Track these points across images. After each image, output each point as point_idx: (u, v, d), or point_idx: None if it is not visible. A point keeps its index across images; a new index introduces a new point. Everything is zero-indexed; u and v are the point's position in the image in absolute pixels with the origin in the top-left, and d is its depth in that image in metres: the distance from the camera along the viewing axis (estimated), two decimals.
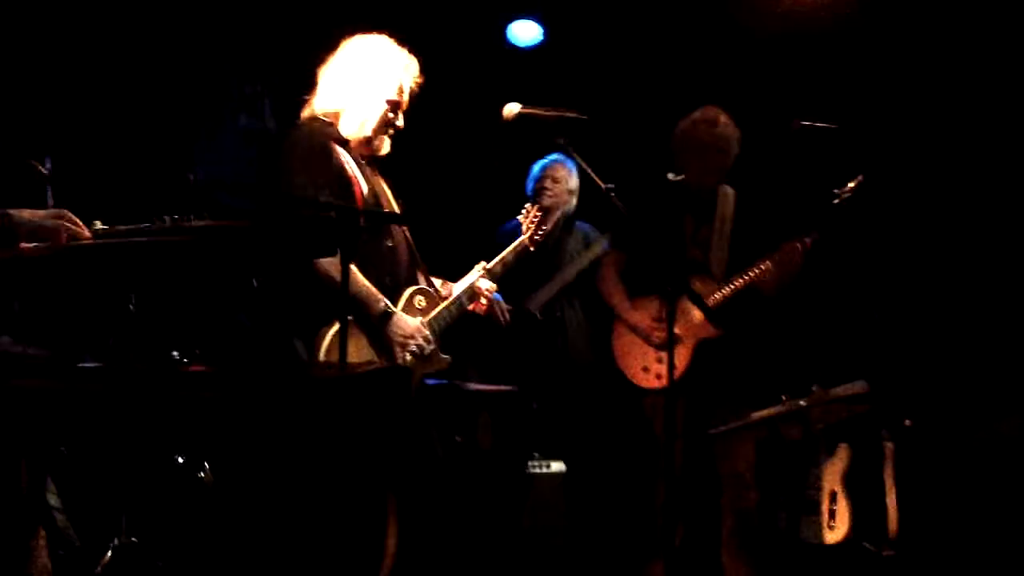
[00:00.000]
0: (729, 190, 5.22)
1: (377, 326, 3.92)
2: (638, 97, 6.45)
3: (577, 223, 5.98)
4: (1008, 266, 5.56)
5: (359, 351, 3.84)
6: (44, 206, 3.40)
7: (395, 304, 4.03)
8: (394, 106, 4.14)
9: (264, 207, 3.07)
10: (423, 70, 4.27)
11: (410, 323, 3.97)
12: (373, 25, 6.11)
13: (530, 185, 5.95)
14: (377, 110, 4.11)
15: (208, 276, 3.05)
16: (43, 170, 3.24)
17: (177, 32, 5.68)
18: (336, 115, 4.11)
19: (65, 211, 2.98)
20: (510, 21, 6.70)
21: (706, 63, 6.33)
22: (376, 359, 3.91)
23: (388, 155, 4.26)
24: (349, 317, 3.59)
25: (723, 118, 5.13)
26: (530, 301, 5.77)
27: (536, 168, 5.94)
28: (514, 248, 4.41)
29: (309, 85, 5.77)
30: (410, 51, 4.26)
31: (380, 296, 3.93)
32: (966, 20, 5.72)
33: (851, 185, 4.83)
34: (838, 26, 5.96)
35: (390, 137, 4.20)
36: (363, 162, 4.15)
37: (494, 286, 4.35)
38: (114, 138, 5.34)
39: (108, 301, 3.16)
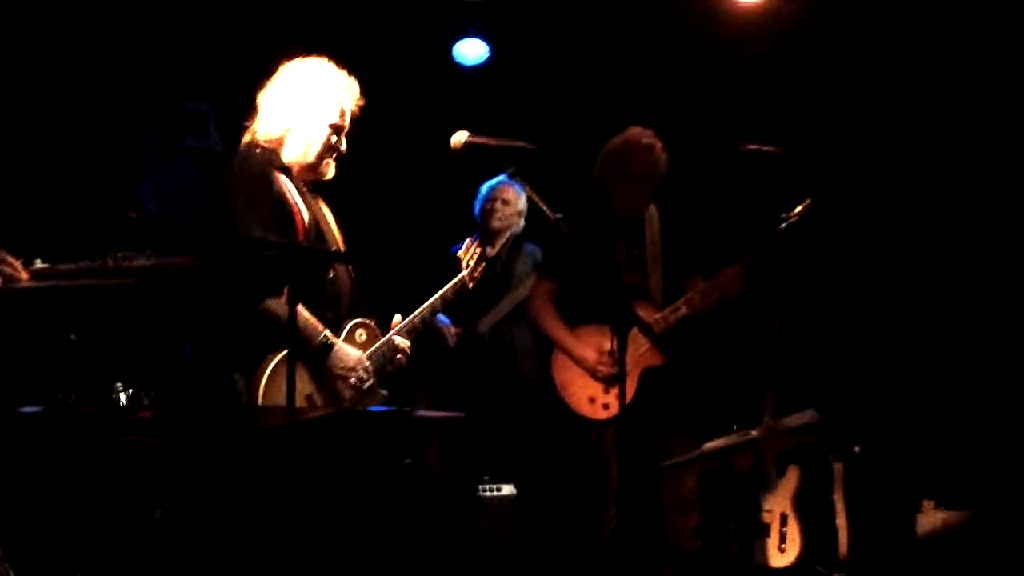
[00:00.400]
0: (653, 208, 5.20)
1: (318, 358, 3.86)
2: (585, 117, 6.44)
3: (525, 244, 5.96)
4: (957, 288, 5.60)
5: (300, 384, 3.73)
6: None
7: (337, 336, 3.96)
8: (337, 129, 4.09)
9: (208, 246, 3.00)
10: (369, 90, 4.22)
11: (351, 355, 3.92)
12: (318, 43, 6.13)
13: (478, 207, 5.93)
14: (320, 134, 4.05)
15: (150, 318, 2.98)
16: None
17: (119, 49, 5.59)
18: (279, 141, 4.03)
19: (2, 253, 2.90)
20: (456, 40, 6.68)
21: (656, 82, 6.34)
22: (316, 392, 3.85)
23: (332, 178, 4.20)
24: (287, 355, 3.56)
25: (658, 144, 5.08)
26: (479, 323, 5.75)
27: (484, 190, 5.92)
28: (453, 285, 4.30)
29: (252, 106, 5.74)
30: (352, 72, 4.19)
31: (321, 328, 3.88)
32: (914, 40, 5.75)
33: (798, 209, 4.84)
34: (786, 48, 5.98)
35: (334, 161, 4.14)
36: (305, 189, 4.08)
37: (405, 343, 4.19)
38: (55, 159, 5.25)
39: (48, 343, 3.08)
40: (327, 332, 3.89)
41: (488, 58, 6.67)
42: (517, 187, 5.80)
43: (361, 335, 4.06)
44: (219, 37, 6.03)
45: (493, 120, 5.60)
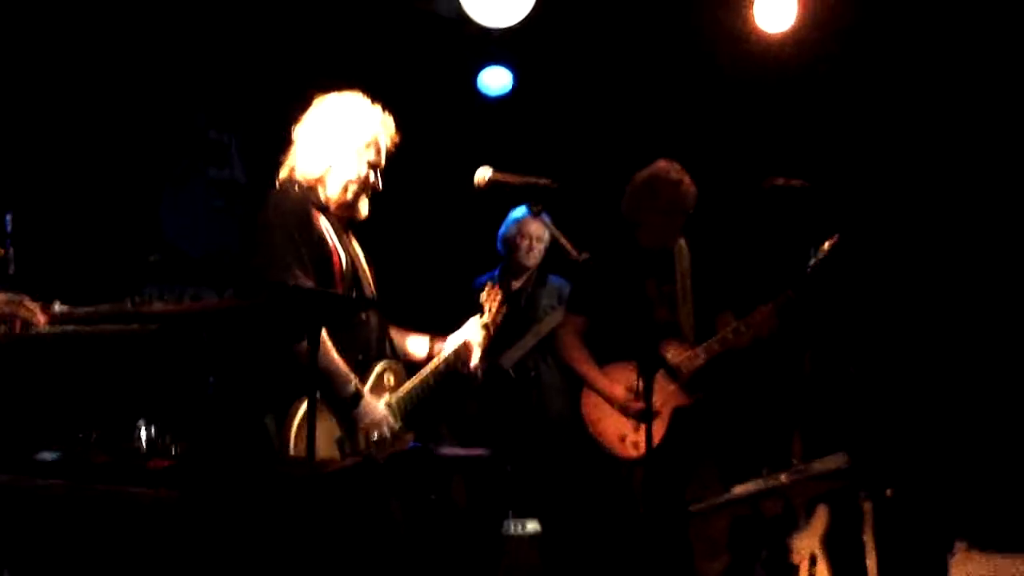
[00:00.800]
0: (682, 242, 5.15)
1: (345, 408, 3.80)
2: (609, 149, 6.41)
3: (550, 276, 5.92)
4: (992, 326, 5.51)
5: (327, 431, 3.74)
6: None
7: (365, 380, 3.91)
8: (375, 167, 4.05)
9: (239, 287, 2.96)
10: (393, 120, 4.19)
11: (377, 411, 3.86)
12: (341, 74, 6.13)
13: (505, 241, 5.88)
14: (360, 173, 4.00)
15: (171, 363, 2.94)
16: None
17: (142, 79, 5.59)
18: (319, 179, 3.98)
19: (21, 297, 2.88)
20: (480, 69, 6.66)
21: (680, 115, 6.30)
22: (345, 436, 3.79)
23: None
24: (318, 398, 3.51)
25: (686, 178, 5.04)
26: (503, 358, 5.70)
27: (509, 227, 5.86)
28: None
29: (279, 138, 5.73)
30: (375, 102, 4.13)
31: (351, 377, 3.82)
32: (943, 72, 5.69)
33: (827, 245, 4.77)
34: (812, 81, 5.93)
35: (368, 197, 4.09)
36: (340, 227, 4.03)
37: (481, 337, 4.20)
38: (78, 189, 5.24)
39: (67, 387, 3.05)
40: (357, 382, 3.83)
41: (512, 88, 6.65)
42: (543, 218, 5.75)
43: (389, 378, 4.02)
44: (243, 68, 6.03)
45: (516, 150, 5.60)
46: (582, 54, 6.53)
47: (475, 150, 4.32)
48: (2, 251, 3.19)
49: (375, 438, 3.83)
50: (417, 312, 4.91)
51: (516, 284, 5.89)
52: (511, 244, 5.85)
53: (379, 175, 4.07)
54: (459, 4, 5.65)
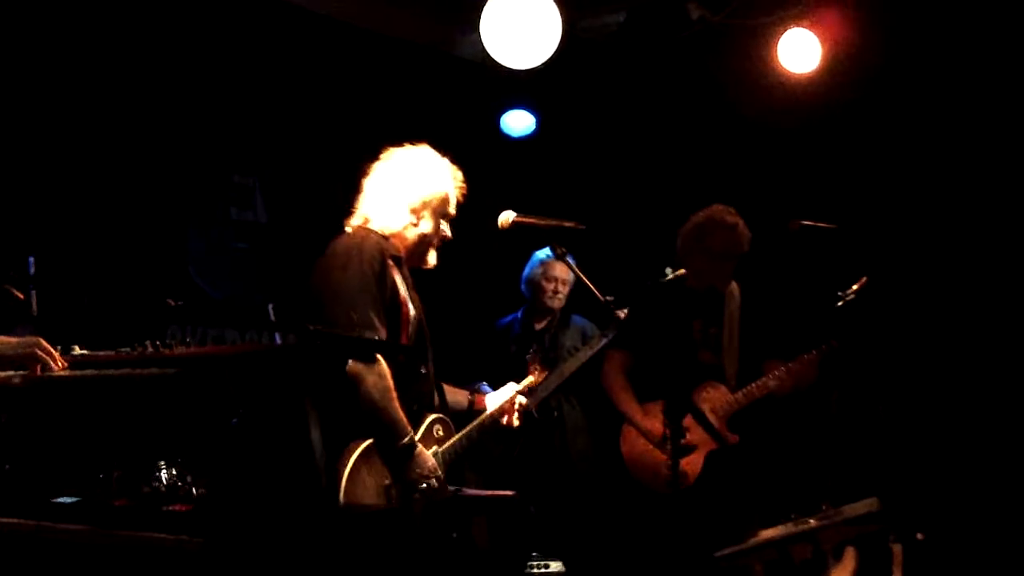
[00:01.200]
0: (734, 286, 5.13)
1: (399, 456, 3.80)
2: (632, 192, 6.40)
3: (573, 317, 5.89)
4: (1018, 367, 5.45)
5: (377, 477, 3.76)
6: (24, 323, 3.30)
7: (416, 430, 3.93)
8: (447, 219, 4.12)
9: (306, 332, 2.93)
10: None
11: (429, 462, 3.87)
12: (362, 116, 6.17)
13: (528, 285, 5.88)
14: (437, 228, 4.08)
15: (192, 406, 2.93)
16: (18, 294, 3.13)
17: (166, 122, 5.62)
18: (397, 234, 4.03)
19: (38, 339, 2.88)
20: (504, 111, 6.68)
21: (702, 158, 6.29)
22: (392, 484, 3.78)
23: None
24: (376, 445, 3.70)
25: (741, 223, 5.07)
26: (527, 398, 5.65)
27: (533, 268, 5.85)
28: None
29: (301, 180, 5.74)
30: (399, 142, 4.17)
31: (408, 427, 3.82)
32: (964, 111, 5.66)
33: (855, 287, 4.73)
34: (836, 121, 5.90)
35: (437, 250, 4.15)
36: (411, 278, 4.10)
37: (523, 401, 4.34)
38: (101, 232, 5.26)
39: (87, 430, 3.04)
40: (411, 433, 3.84)
41: (535, 130, 6.66)
42: (568, 260, 5.74)
43: (439, 431, 4.04)
44: (267, 111, 6.06)
45: (539, 191, 5.59)
46: (605, 96, 6.54)
47: (499, 191, 4.32)
48: (22, 295, 3.19)
49: (424, 487, 3.83)
50: (441, 353, 4.91)
51: (539, 325, 5.88)
52: (535, 286, 5.84)
53: (449, 228, 4.13)
54: (482, 46, 5.66)
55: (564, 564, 5.47)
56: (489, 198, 4.29)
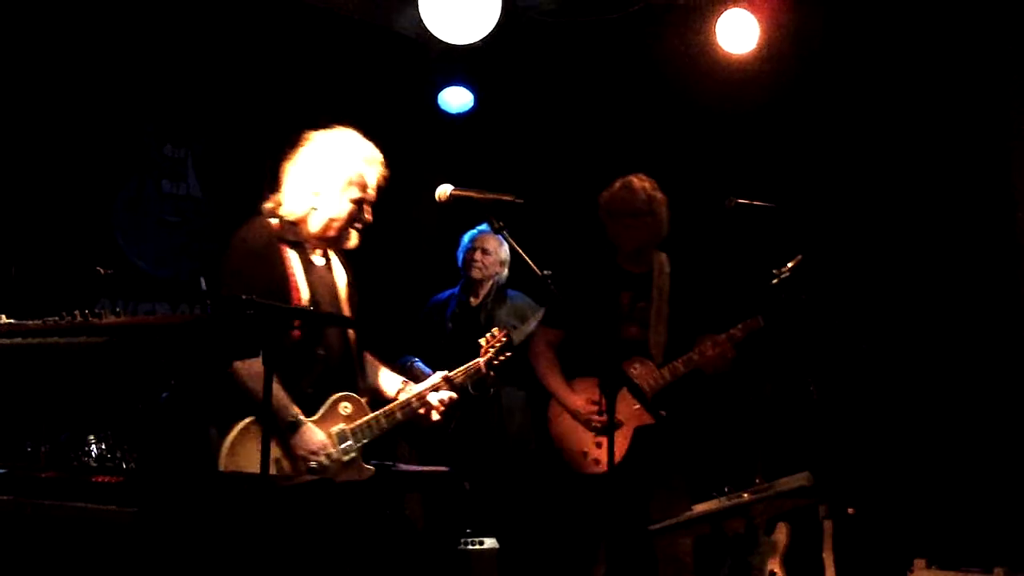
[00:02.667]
0: (663, 257, 5.12)
1: (284, 434, 3.85)
2: (570, 167, 6.39)
3: (510, 292, 5.88)
4: (951, 345, 5.52)
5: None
6: None
7: (317, 409, 3.96)
8: (360, 203, 4.10)
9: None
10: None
11: (315, 439, 3.89)
12: (301, 91, 6.11)
13: (460, 256, 5.86)
14: (343, 212, 4.07)
15: (119, 375, 2.88)
16: None
17: (94, 92, 5.52)
18: (302, 219, 4.06)
19: None
20: (441, 88, 6.64)
21: (639, 136, 6.29)
22: (283, 457, 3.84)
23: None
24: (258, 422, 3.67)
25: (647, 183, 5.05)
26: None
27: (466, 239, 5.86)
28: (467, 368, 4.31)
29: (235, 154, 5.67)
30: (335, 120, 4.18)
31: (291, 406, 3.87)
32: (902, 92, 5.71)
33: (790, 265, 4.76)
34: (776, 101, 5.93)
35: (358, 231, 4.14)
36: (318, 264, 4.11)
37: (451, 396, 4.22)
38: (28, 202, 5.16)
39: (14, 400, 2.97)
40: (297, 411, 3.88)
41: (473, 106, 6.63)
42: (499, 236, 5.71)
43: (346, 408, 4.04)
44: (200, 83, 5.98)
45: (478, 168, 5.57)
46: (544, 73, 6.53)
47: (436, 168, 4.30)
48: None
49: (312, 465, 3.87)
50: (378, 327, 4.88)
51: (475, 301, 5.86)
52: (467, 260, 5.82)
53: (368, 209, 4.12)
54: (421, 21, 5.61)
55: (498, 541, 5.49)
56: (427, 174, 4.27)
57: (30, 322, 2.94)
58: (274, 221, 4.04)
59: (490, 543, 5.47)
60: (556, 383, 5.10)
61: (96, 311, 2.90)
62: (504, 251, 5.80)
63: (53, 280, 3.83)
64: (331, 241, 4.13)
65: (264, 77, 6.15)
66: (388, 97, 6.50)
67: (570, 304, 4.79)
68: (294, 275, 3.98)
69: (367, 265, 6.13)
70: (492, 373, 4.36)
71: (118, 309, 2.84)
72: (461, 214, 4.11)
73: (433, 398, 4.18)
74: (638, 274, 5.09)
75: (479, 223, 5.79)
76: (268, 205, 4.09)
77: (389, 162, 4.29)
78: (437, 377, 4.24)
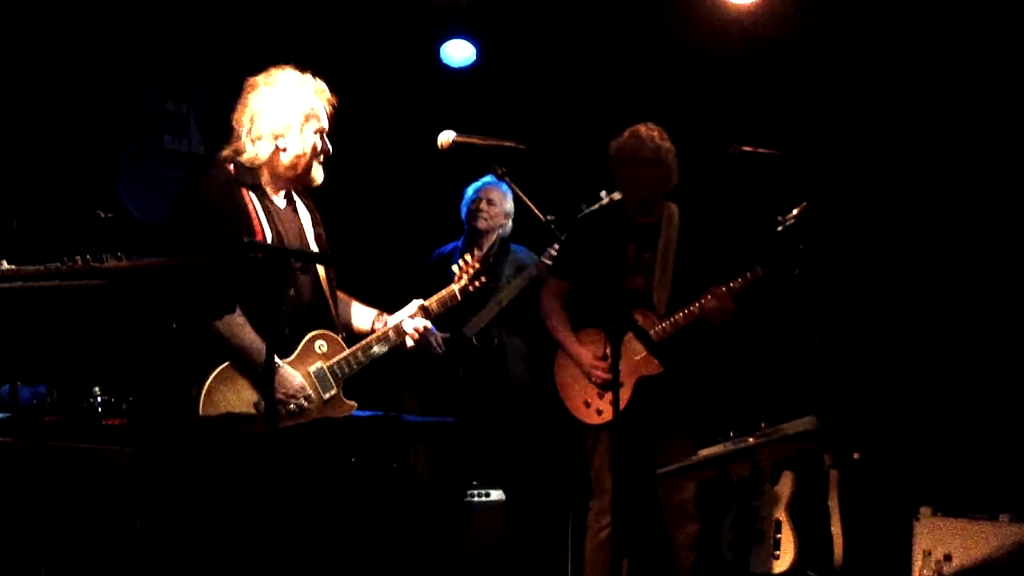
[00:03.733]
0: (673, 208, 5.09)
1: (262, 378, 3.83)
2: (574, 121, 6.35)
3: (512, 246, 5.86)
4: (956, 292, 5.51)
5: (246, 392, 3.83)
6: None
7: (293, 349, 3.95)
8: (320, 133, 4.07)
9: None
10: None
11: (293, 382, 3.90)
12: (304, 44, 6.06)
13: (464, 208, 5.84)
14: (307, 147, 4.04)
15: (121, 319, 2.88)
16: None
17: (98, 48, 5.50)
18: (268, 162, 4.01)
19: None
20: (443, 41, 6.60)
21: (643, 87, 6.25)
22: (261, 400, 3.82)
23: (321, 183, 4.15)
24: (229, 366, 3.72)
25: (656, 132, 5.01)
26: (467, 327, 5.65)
27: (470, 191, 5.82)
28: (441, 296, 4.30)
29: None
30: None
31: (263, 352, 3.74)
32: (907, 39, 5.67)
33: (794, 212, 4.74)
34: (778, 49, 5.89)
35: (320, 164, 4.10)
36: (281, 207, 4.07)
37: (425, 324, 4.21)
38: (30, 153, 5.16)
39: (17, 346, 2.97)
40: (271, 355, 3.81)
41: (475, 60, 6.59)
42: (504, 187, 5.70)
43: (322, 346, 4.04)
44: (202, 38, 5.95)
45: (480, 122, 5.54)
46: (544, 23, 6.48)
47: (439, 121, 4.28)
48: None
49: (291, 407, 3.87)
50: (382, 280, 4.89)
51: (479, 253, 5.83)
52: (472, 211, 5.80)
53: (325, 139, 4.09)
54: None
55: (505, 493, 5.51)
56: (428, 130, 4.25)
57: (31, 267, 2.93)
58: (231, 167, 3.99)
59: (496, 495, 5.49)
60: (563, 334, 5.10)
61: (98, 256, 2.89)
62: (509, 203, 5.77)
63: (55, 228, 3.82)
64: (299, 178, 4.08)
65: (266, 32, 6.11)
66: (390, 51, 6.45)
67: (574, 250, 4.78)
68: (257, 217, 3.95)
69: (371, 220, 6.18)
70: (462, 299, 4.32)
71: (119, 254, 2.82)
72: (463, 168, 4.09)
73: (408, 326, 4.16)
74: (646, 224, 5.07)
75: (482, 176, 5.77)
76: (225, 153, 4.04)
77: (391, 117, 4.29)
78: (412, 306, 4.22)
